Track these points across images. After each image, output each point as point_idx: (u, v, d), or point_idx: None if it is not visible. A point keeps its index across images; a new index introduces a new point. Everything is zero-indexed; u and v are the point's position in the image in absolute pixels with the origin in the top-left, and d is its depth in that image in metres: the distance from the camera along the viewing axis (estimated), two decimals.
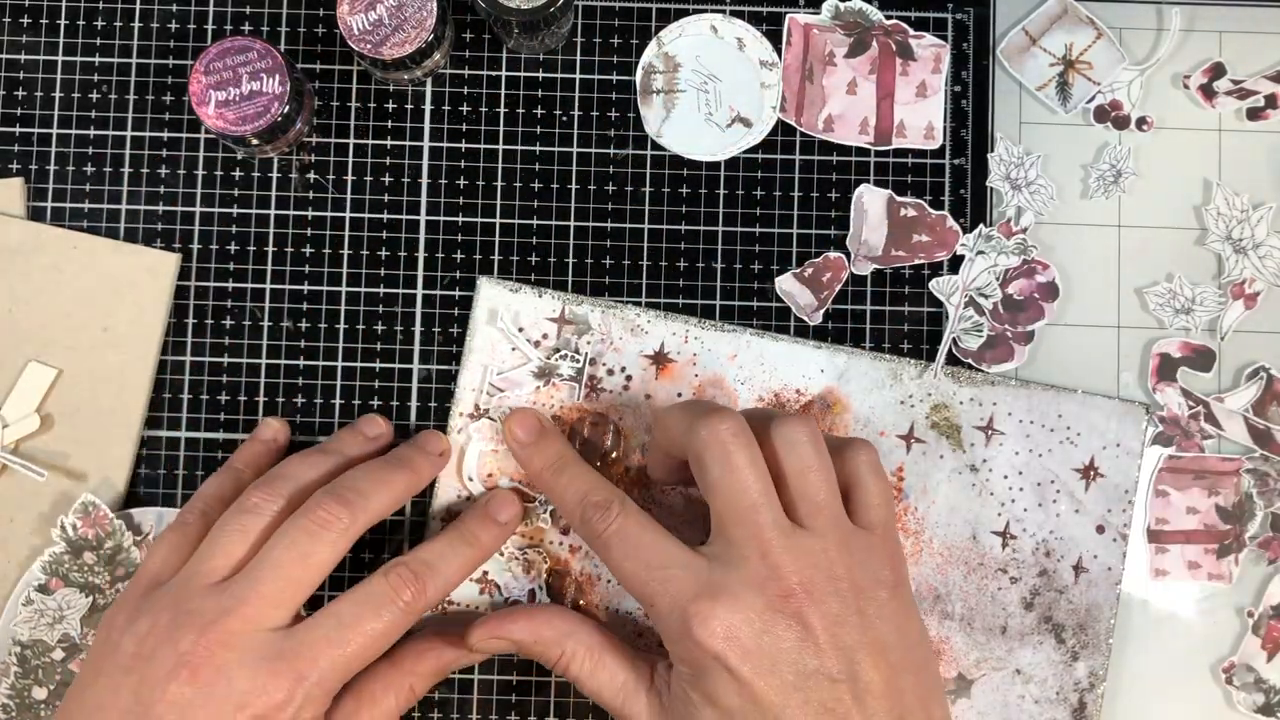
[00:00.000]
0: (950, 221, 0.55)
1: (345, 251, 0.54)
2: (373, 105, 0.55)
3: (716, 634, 0.42)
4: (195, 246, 0.54)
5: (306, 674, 0.43)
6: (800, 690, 0.42)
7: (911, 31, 0.56)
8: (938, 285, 0.55)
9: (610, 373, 0.53)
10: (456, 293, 0.54)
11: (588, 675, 0.47)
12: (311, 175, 0.55)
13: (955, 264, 0.55)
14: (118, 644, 0.44)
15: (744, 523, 0.43)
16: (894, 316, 0.55)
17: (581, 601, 0.52)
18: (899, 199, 0.55)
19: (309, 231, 0.54)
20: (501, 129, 0.55)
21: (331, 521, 0.45)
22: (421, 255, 0.54)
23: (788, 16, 0.56)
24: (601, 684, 0.47)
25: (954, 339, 0.54)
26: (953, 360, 0.54)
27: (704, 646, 0.42)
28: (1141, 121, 0.56)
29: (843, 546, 0.44)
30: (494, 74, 0.55)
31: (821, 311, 0.54)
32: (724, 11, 0.56)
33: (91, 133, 0.54)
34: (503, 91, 0.55)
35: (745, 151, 0.55)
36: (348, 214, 0.54)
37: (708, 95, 0.55)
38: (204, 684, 0.42)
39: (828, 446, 0.46)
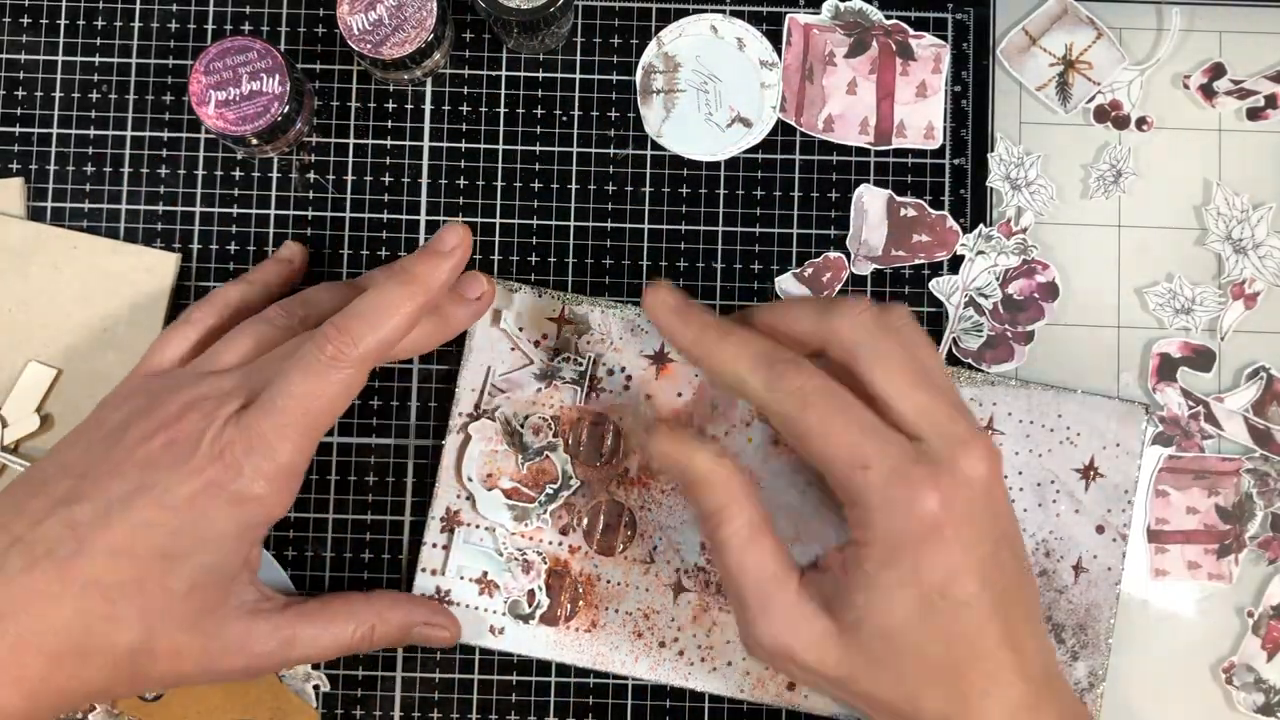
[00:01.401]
0: (950, 221, 0.55)
1: (345, 251, 0.54)
2: (373, 105, 0.55)
3: (938, 501, 0.41)
4: (195, 246, 0.54)
5: (255, 447, 0.43)
6: (988, 568, 0.42)
7: (911, 31, 0.56)
8: (937, 285, 0.55)
9: (610, 373, 0.53)
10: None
11: (740, 545, 0.44)
12: (311, 175, 0.55)
13: (955, 264, 0.55)
14: (106, 418, 0.45)
15: (926, 388, 0.43)
16: None
17: (581, 603, 0.52)
18: (899, 199, 0.55)
19: (309, 231, 0.54)
20: (501, 129, 0.55)
21: (328, 346, 0.44)
22: None
23: (788, 16, 0.56)
24: (751, 561, 0.44)
25: (954, 339, 0.54)
26: (953, 360, 0.54)
27: (921, 514, 0.41)
28: (1141, 121, 0.56)
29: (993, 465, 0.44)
30: (494, 74, 0.55)
31: None
32: (724, 11, 0.56)
33: (91, 133, 0.54)
34: (503, 91, 0.55)
35: (745, 151, 0.55)
36: (348, 214, 0.54)
37: (708, 95, 0.55)
38: (171, 444, 0.43)
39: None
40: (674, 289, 0.47)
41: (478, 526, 0.52)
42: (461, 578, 0.52)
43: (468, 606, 0.52)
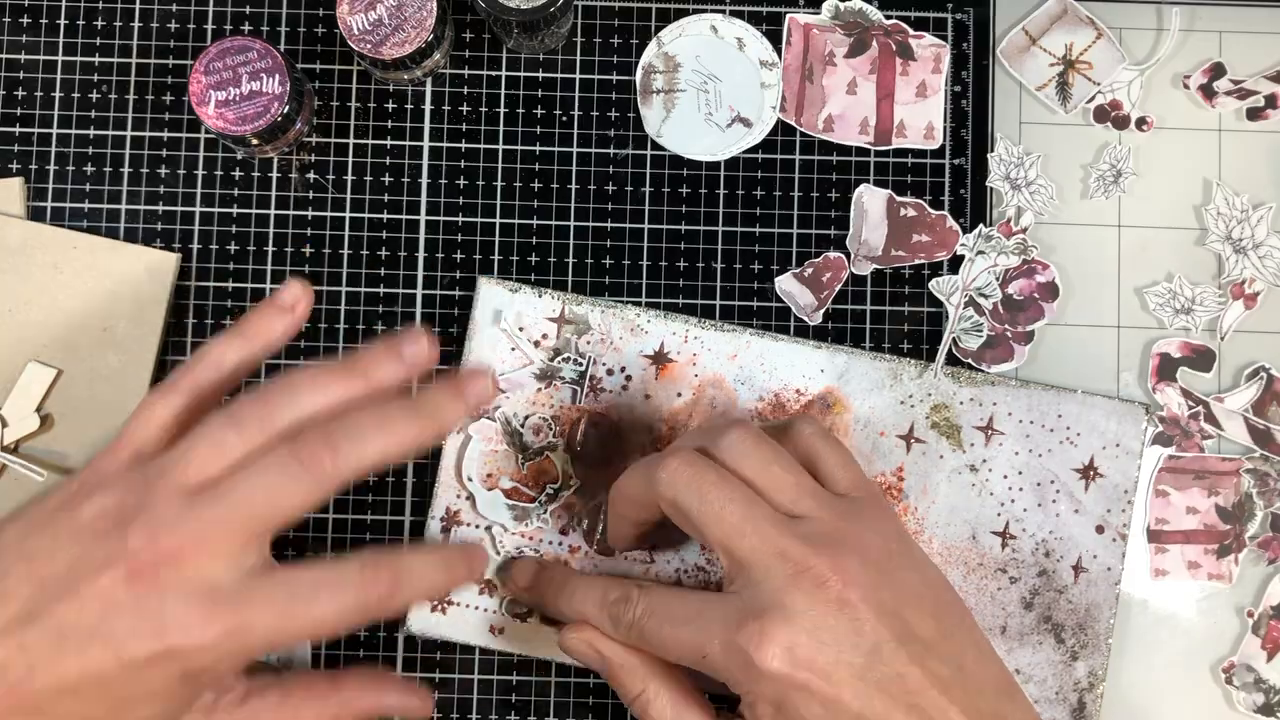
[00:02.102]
0: (950, 221, 0.55)
1: (345, 251, 0.54)
2: (373, 105, 0.55)
3: (776, 655, 0.41)
4: (195, 246, 0.54)
5: (238, 632, 0.40)
6: (870, 673, 0.41)
7: (911, 31, 0.56)
8: (938, 285, 0.55)
9: (610, 372, 0.53)
10: (456, 293, 0.54)
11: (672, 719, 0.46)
12: (311, 175, 0.55)
13: (955, 264, 0.55)
14: (79, 505, 0.41)
15: (746, 534, 0.43)
16: (894, 316, 0.55)
17: None
18: (899, 199, 0.55)
19: (309, 231, 0.54)
20: (501, 129, 0.55)
21: (316, 467, 0.40)
22: (421, 255, 0.54)
23: (788, 16, 0.56)
24: None
25: (954, 339, 0.54)
26: (953, 360, 0.54)
27: (770, 673, 0.41)
28: (1141, 121, 0.56)
29: (839, 516, 0.44)
30: (494, 74, 0.55)
31: (821, 311, 0.54)
32: (724, 11, 0.56)
33: (91, 132, 0.54)
34: (503, 91, 0.55)
35: (745, 151, 0.55)
36: (347, 214, 0.54)
37: (708, 95, 0.55)
38: (137, 592, 0.39)
39: (773, 435, 0.46)
40: (523, 568, 0.51)
41: (478, 526, 0.52)
42: None
43: (468, 606, 0.52)
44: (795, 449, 0.46)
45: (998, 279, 0.55)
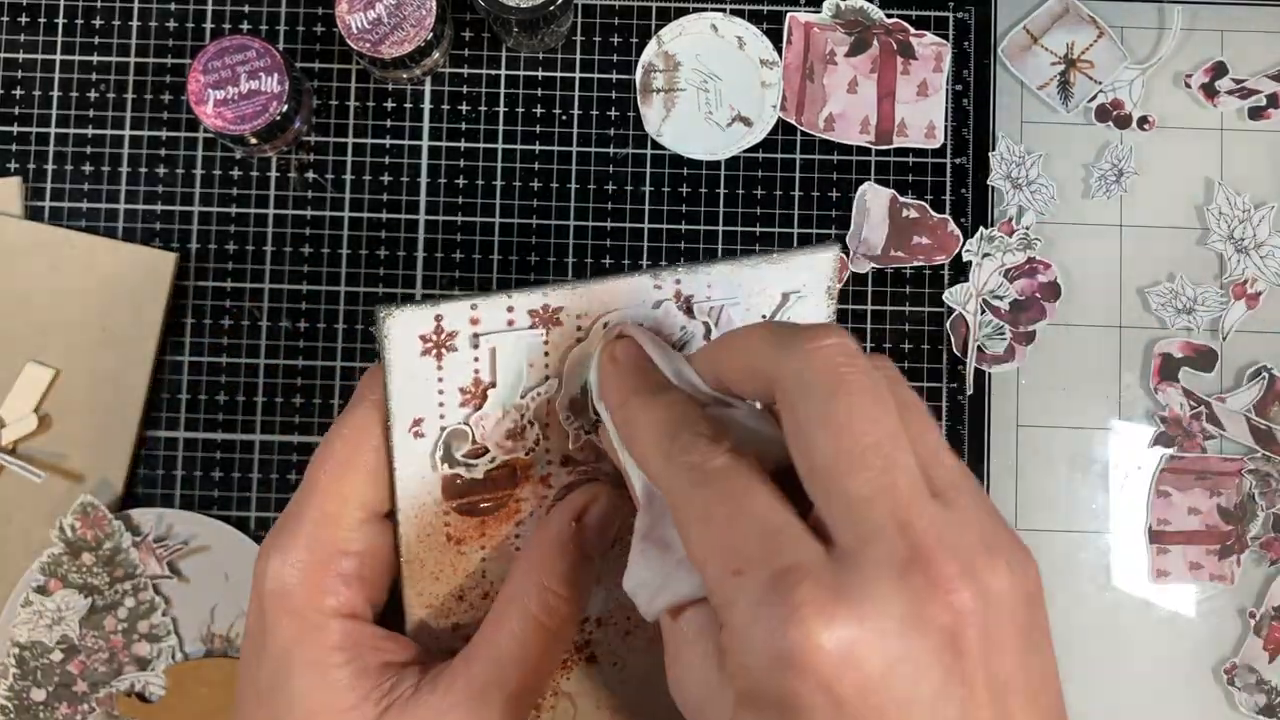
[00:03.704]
0: (952, 226, 0.55)
1: (344, 251, 0.54)
2: (372, 104, 0.55)
3: (829, 651, 0.26)
4: (194, 246, 0.54)
5: None
6: None
7: (913, 30, 0.56)
8: (951, 295, 0.54)
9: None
10: (456, 293, 0.54)
11: None
12: (310, 175, 0.54)
13: (955, 268, 0.55)
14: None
15: (873, 469, 0.28)
16: (894, 316, 0.54)
17: None
18: (902, 199, 0.55)
19: (308, 231, 0.54)
20: (501, 128, 0.55)
21: None
22: (421, 255, 0.54)
23: (788, 15, 0.55)
24: None
25: (979, 346, 0.54)
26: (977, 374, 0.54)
27: (807, 668, 0.26)
28: (1143, 121, 0.56)
29: (987, 516, 0.29)
30: (493, 73, 0.55)
31: None
32: (724, 10, 0.55)
33: (90, 132, 0.54)
34: (502, 91, 0.55)
35: (745, 151, 0.55)
36: (347, 213, 0.54)
37: (708, 94, 0.55)
38: None
39: None
40: (639, 344, 0.36)
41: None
42: None
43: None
44: None
45: (1006, 278, 0.55)
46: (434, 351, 0.36)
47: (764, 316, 0.38)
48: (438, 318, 0.35)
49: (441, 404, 0.36)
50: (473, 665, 0.35)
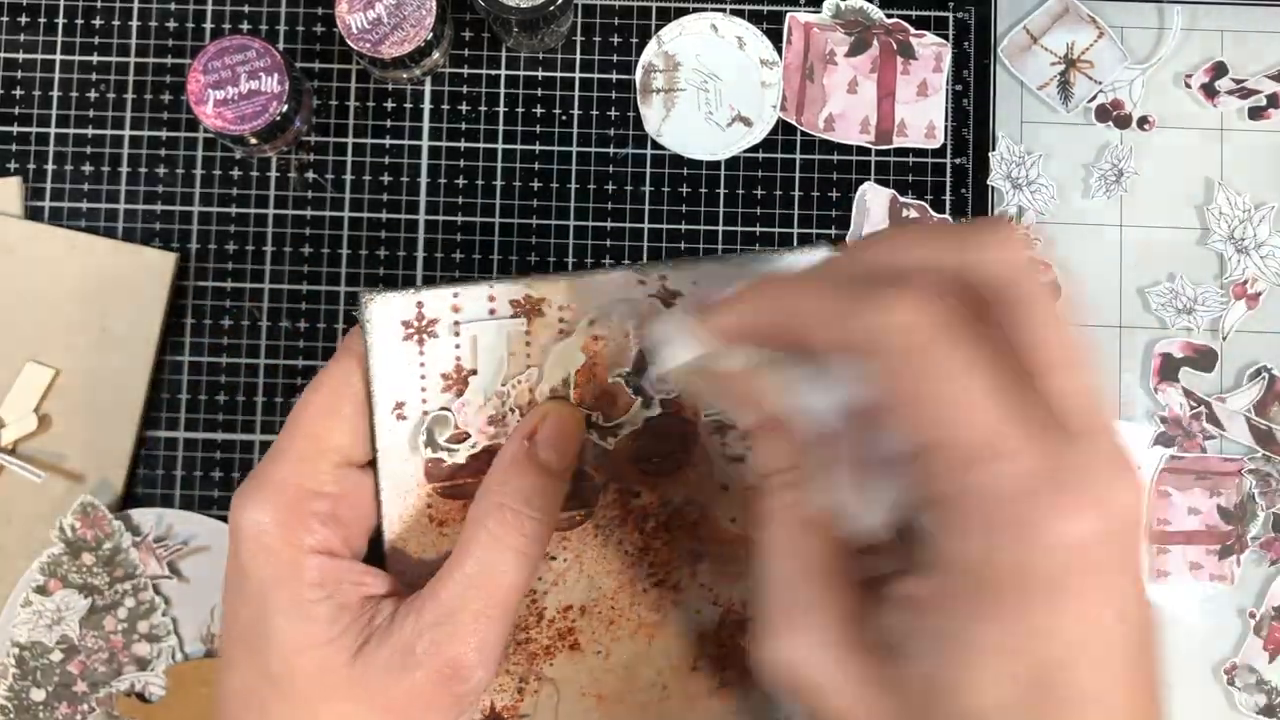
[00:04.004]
0: None
1: (344, 251, 0.54)
2: (372, 104, 0.55)
3: (1082, 537, 0.27)
4: (194, 246, 0.54)
5: None
6: (1133, 644, 0.28)
7: (912, 30, 0.56)
8: None
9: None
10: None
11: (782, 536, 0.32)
12: (310, 175, 0.54)
13: None
14: None
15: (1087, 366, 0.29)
16: None
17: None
18: (902, 199, 0.55)
19: (308, 231, 0.54)
20: (501, 128, 0.55)
21: None
22: (421, 255, 0.54)
23: (788, 15, 0.55)
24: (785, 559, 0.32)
25: None
26: None
27: (1064, 553, 0.27)
28: (1143, 121, 0.56)
29: (1115, 468, 0.29)
30: (493, 73, 0.55)
31: None
32: (724, 10, 0.55)
33: (90, 132, 0.54)
34: (502, 91, 0.55)
35: (745, 151, 0.55)
36: (347, 214, 0.54)
37: (708, 94, 0.55)
38: None
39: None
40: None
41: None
42: None
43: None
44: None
45: None
46: (416, 337, 0.37)
47: None
48: (419, 304, 0.36)
49: (424, 389, 0.37)
50: (441, 590, 0.36)
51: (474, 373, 0.37)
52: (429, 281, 0.54)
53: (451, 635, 0.35)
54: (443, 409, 0.37)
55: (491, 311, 0.37)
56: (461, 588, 0.35)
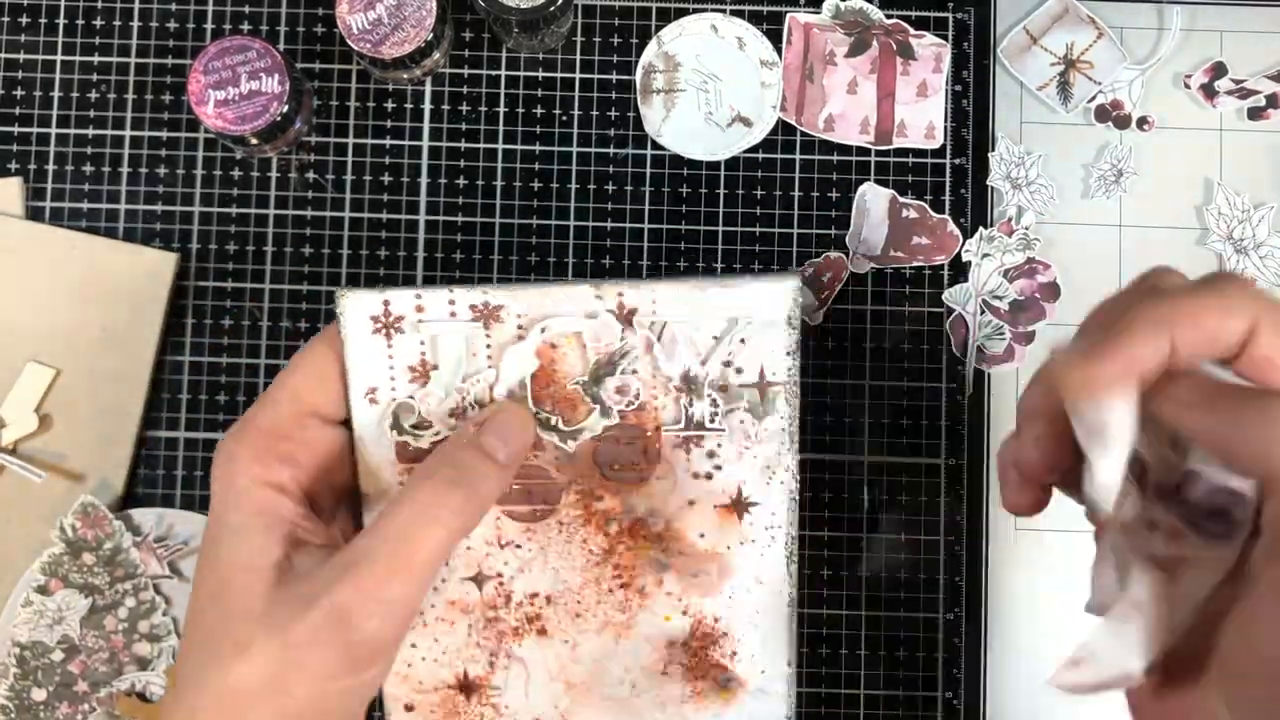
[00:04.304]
0: (951, 226, 0.55)
1: (345, 251, 0.54)
2: (372, 105, 0.55)
3: None
4: (194, 246, 0.54)
5: None
6: None
7: (912, 31, 0.56)
8: (951, 296, 0.54)
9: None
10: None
11: None
12: (311, 175, 0.54)
13: (954, 268, 0.55)
14: None
15: None
16: (894, 317, 0.55)
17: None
18: (901, 199, 0.55)
19: (308, 231, 0.54)
20: (501, 129, 0.55)
21: None
22: (421, 255, 0.54)
23: (788, 16, 0.55)
24: None
25: (979, 346, 0.54)
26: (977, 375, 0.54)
27: None
28: (1142, 121, 0.56)
29: None
30: (494, 73, 0.55)
31: (823, 311, 0.54)
32: (724, 11, 0.55)
33: (90, 132, 0.54)
34: (502, 91, 0.55)
35: (745, 151, 0.55)
36: (347, 214, 0.54)
37: (708, 94, 0.55)
38: None
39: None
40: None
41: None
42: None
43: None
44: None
45: (1006, 278, 0.55)
46: (384, 331, 0.41)
47: (714, 338, 0.41)
48: (385, 302, 0.41)
49: (392, 377, 0.41)
50: (357, 541, 0.38)
51: (435, 367, 0.41)
52: (429, 281, 0.54)
53: (347, 582, 0.37)
54: (409, 397, 0.41)
55: (452, 315, 0.41)
56: (374, 541, 0.37)
